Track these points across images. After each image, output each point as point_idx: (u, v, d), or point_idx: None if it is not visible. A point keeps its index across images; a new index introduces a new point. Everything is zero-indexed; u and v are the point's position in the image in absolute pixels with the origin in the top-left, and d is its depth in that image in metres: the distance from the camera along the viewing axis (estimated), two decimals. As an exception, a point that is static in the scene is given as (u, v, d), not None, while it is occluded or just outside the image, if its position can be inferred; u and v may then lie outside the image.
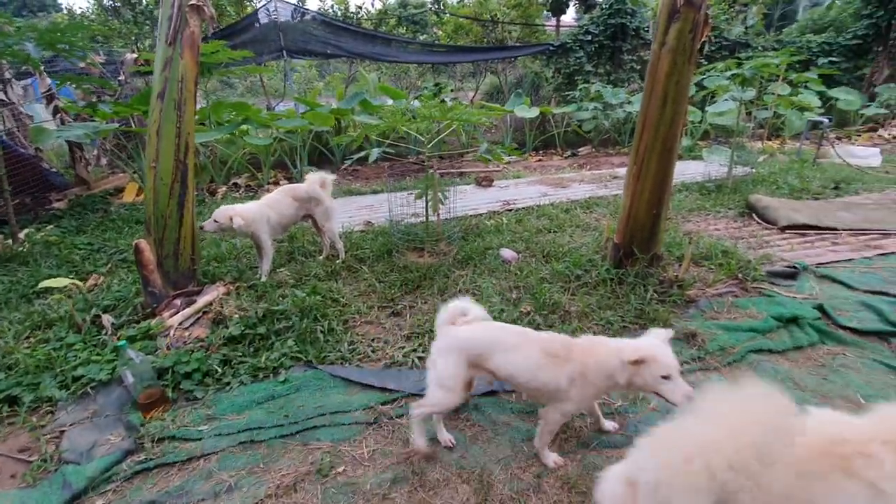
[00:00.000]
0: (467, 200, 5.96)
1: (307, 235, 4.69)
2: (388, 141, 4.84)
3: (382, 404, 2.42)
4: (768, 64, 5.49)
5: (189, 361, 2.68)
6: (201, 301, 3.24)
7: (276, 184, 7.45)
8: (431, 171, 4.14)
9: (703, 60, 10.30)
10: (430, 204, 4.17)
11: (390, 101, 8.46)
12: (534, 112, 9.27)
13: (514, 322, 2.98)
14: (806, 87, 8.70)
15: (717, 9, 13.27)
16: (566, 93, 10.71)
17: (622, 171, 7.61)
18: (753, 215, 5.02)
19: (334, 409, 2.39)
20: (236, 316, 3.06)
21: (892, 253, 3.99)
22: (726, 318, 3.11)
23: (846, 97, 9.86)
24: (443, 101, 6.79)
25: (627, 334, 2.93)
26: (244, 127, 6.92)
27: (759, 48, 11.21)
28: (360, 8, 14.81)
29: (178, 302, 3.26)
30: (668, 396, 1.70)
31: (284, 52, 9.54)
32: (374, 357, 2.82)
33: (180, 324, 3.05)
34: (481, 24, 12.70)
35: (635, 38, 10.75)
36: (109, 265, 4.31)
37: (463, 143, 9.48)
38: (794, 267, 3.73)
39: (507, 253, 4.05)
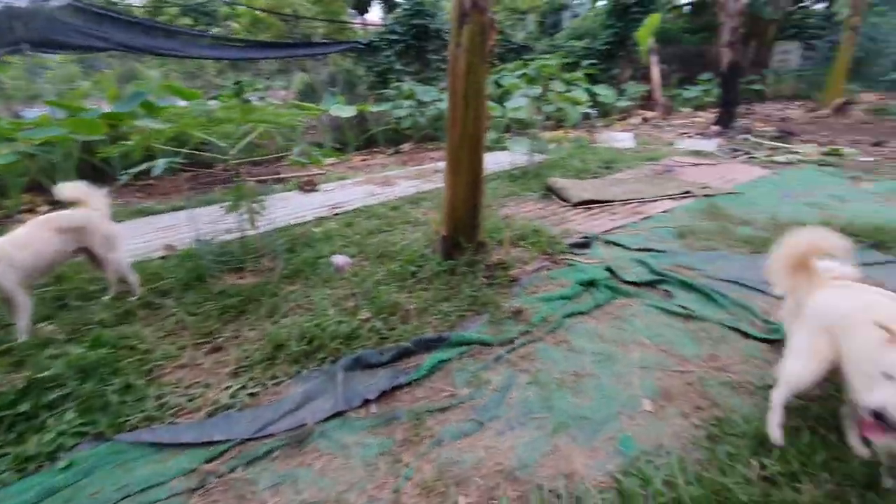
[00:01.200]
0: (291, 208, 5.55)
1: (83, 272, 3.75)
2: (184, 150, 4.15)
3: (207, 462, 2.04)
4: (547, 65, 6.35)
5: None
6: (-90, 389, 2.30)
7: (32, 212, 5.85)
8: (243, 179, 3.70)
9: (496, 61, 11.47)
10: (245, 216, 3.72)
11: (182, 103, 7.35)
12: (351, 111, 9.12)
13: (353, 332, 2.85)
14: (576, 85, 10.39)
15: (502, 15, 14.92)
16: (381, 91, 10.82)
17: (443, 164, 8.02)
18: (553, 196, 5.78)
19: (143, 486, 1.93)
20: (-23, 398, 2.26)
21: (650, 216, 5.00)
22: (544, 290, 3.48)
23: (604, 92, 12.08)
24: (246, 100, 6.15)
25: (466, 322, 3.07)
26: (-33, 141, 5.22)
27: (540, 51, 12.98)
28: (129, -7, 12.56)
29: None
30: None
31: (27, 45, 7.51)
32: (193, 406, 2.37)
33: None
34: (282, 18, 11.95)
35: (437, 38, 11.40)
36: None
37: (279, 146, 8.81)
38: (587, 237, 4.39)
39: (339, 259, 3.87)
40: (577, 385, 2.50)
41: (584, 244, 4.27)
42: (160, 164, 3.09)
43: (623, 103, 12.24)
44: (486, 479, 1.95)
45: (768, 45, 16.17)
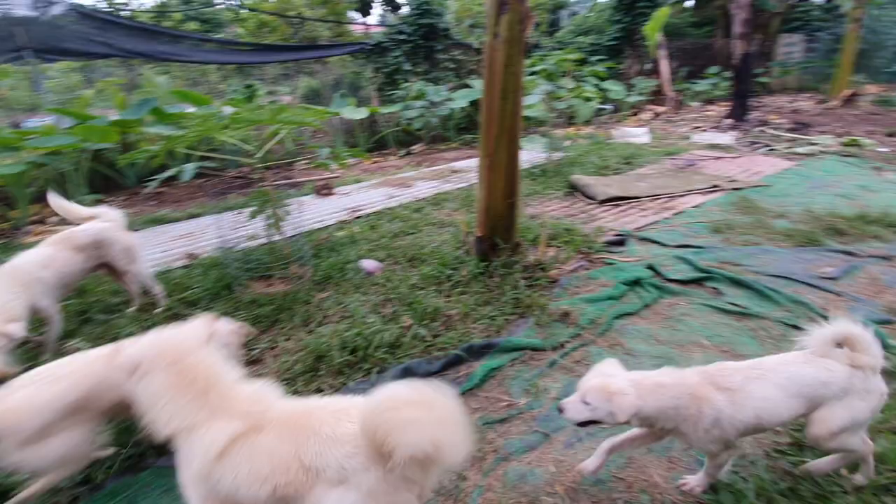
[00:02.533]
0: (309, 213, 5.40)
1: (105, 284, 3.60)
2: (200, 153, 4.02)
3: None
4: (566, 59, 6.21)
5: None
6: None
7: (41, 223, 5.72)
8: (264, 184, 3.56)
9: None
10: (270, 222, 3.58)
11: (192, 109, 7.22)
12: (362, 113, 8.98)
13: (396, 341, 2.71)
14: (585, 81, 10.25)
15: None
16: (389, 92, 10.68)
17: (459, 164, 7.88)
18: (577, 193, 5.63)
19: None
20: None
21: (682, 211, 4.85)
22: (586, 291, 3.33)
23: (614, 88, 11.95)
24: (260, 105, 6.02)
25: (511, 327, 2.92)
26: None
27: (549, 48, 12.85)
28: (131, -1, 12.42)
29: None
30: None
31: (29, 53, 7.38)
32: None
33: None
34: (288, 21, 11.83)
35: (445, 37, 11.27)
36: None
37: (289, 150, 8.69)
38: (621, 234, 4.24)
39: (368, 264, 3.73)
40: (643, 391, 2.35)
41: (620, 242, 4.13)
42: (189, 169, 2.95)
43: (633, 98, 12.09)
44: (561, 497, 1.81)
45: (772, 38, 16.01)
